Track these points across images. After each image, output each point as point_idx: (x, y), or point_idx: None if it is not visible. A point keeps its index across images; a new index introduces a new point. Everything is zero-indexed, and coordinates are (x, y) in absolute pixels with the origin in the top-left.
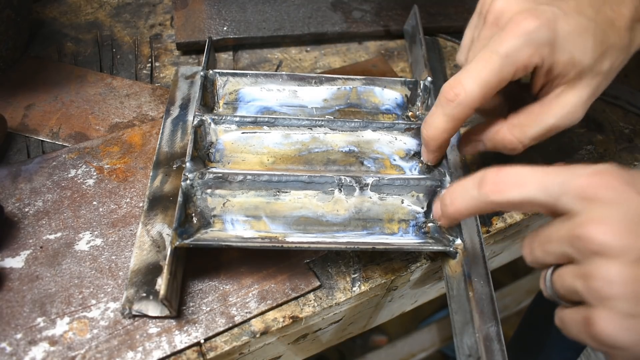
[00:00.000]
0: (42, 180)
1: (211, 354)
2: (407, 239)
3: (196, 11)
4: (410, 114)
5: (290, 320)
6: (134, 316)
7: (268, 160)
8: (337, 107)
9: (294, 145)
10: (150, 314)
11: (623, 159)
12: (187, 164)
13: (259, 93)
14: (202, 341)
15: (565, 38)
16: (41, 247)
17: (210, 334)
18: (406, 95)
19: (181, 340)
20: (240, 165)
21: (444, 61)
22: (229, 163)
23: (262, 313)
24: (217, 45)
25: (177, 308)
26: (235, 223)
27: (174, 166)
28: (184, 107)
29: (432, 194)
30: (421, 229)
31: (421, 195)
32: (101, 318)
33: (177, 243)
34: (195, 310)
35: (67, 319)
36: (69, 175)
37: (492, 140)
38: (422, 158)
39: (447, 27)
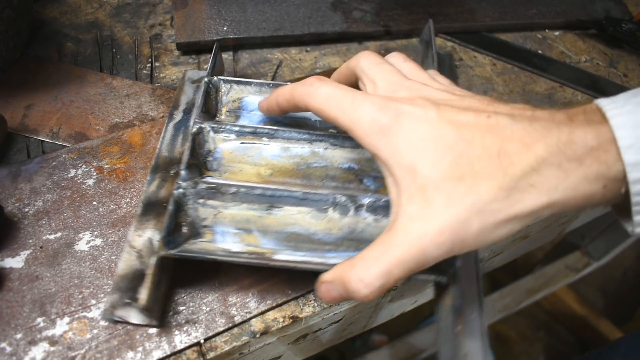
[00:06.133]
0: (42, 180)
1: (211, 354)
2: None
3: (196, 11)
4: None
5: (290, 320)
6: (116, 322)
7: (265, 172)
8: None
9: (292, 158)
10: (133, 321)
11: None
12: (182, 172)
13: None
14: (202, 341)
15: (410, 138)
16: (41, 247)
17: (210, 333)
18: None
19: (181, 340)
20: (238, 175)
21: (457, 79)
22: (226, 172)
23: (262, 313)
24: None
25: (160, 317)
26: (226, 235)
27: (172, 172)
28: (188, 112)
29: None
30: None
31: None
32: (101, 318)
33: (163, 252)
34: (195, 310)
35: (67, 319)
36: (69, 175)
37: (340, 282)
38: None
39: (447, 27)
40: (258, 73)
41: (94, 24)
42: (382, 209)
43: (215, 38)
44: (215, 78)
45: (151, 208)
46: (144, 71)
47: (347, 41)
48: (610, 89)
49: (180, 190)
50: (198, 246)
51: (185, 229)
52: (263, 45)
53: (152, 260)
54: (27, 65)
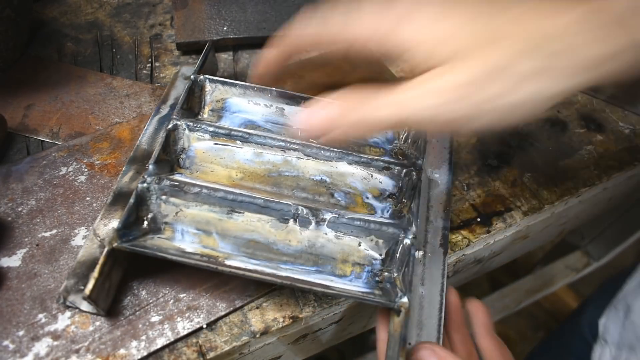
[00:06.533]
0: (34, 179)
1: (211, 354)
2: (355, 285)
3: (196, 11)
4: (398, 150)
5: (290, 320)
6: (68, 307)
7: (237, 175)
8: None
9: (264, 164)
10: (83, 308)
11: (623, 159)
12: (150, 167)
13: (246, 105)
14: (204, 326)
15: (420, 33)
16: (37, 245)
17: (212, 318)
18: (397, 131)
19: (184, 326)
20: (209, 176)
21: None
22: (197, 172)
23: (262, 296)
24: (217, 45)
25: (108, 308)
26: (185, 234)
27: (147, 165)
28: (174, 107)
29: (393, 242)
30: (375, 277)
31: (381, 241)
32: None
33: (115, 244)
34: (195, 297)
35: (68, 314)
36: (60, 173)
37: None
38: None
39: None
40: None
41: (94, 24)
42: (345, 226)
43: (215, 38)
44: (201, 76)
45: (121, 198)
46: (144, 71)
47: None
48: (610, 89)
49: (144, 185)
50: (153, 242)
51: (145, 224)
52: (263, 45)
53: (104, 251)
54: (27, 65)
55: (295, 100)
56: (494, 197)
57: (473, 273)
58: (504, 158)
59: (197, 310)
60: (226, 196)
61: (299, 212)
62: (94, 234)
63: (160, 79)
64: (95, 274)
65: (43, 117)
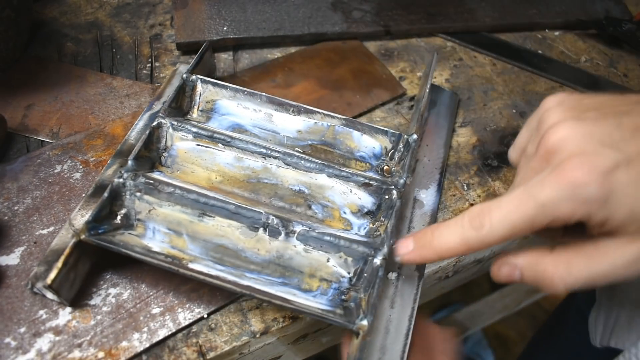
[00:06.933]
0: (29, 178)
1: (211, 354)
2: (318, 302)
3: (196, 11)
4: (385, 167)
5: (290, 320)
6: (35, 293)
7: (216, 178)
8: (310, 142)
9: (244, 170)
10: (48, 296)
11: None
12: (129, 163)
13: (235, 108)
14: (205, 315)
15: (624, 191)
16: (35, 243)
17: (213, 308)
18: (385, 147)
19: (185, 317)
20: (189, 176)
21: (453, 119)
22: (178, 171)
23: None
24: (217, 45)
25: (72, 298)
26: (157, 233)
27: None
28: None
29: (363, 262)
30: (342, 295)
31: (350, 259)
32: (103, 304)
33: (83, 237)
34: (195, 288)
35: (69, 309)
36: (55, 171)
37: (532, 270)
38: (399, 252)
39: (447, 27)
40: None
41: (94, 24)
42: (314, 240)
43: (215, 38)
44: (193, 76)
45: (101, 191)
46: (144, 71)
47: (347, 41)
48: (610, 89)
49: (120, 180)
50: (122, 238)
51: (119, 219)
52: (263, 45)
53: (71, 242)
54: (27, 65)
55: (284, 107)
56: (494, 197)
57: (473, 273)
58: (504, 158)
59: (198, 301)
60: (198, 199)
61: (270, 221)
62: (70, 224)
63: (160, 79)
64: (59, 264)
65: (43, 117)
